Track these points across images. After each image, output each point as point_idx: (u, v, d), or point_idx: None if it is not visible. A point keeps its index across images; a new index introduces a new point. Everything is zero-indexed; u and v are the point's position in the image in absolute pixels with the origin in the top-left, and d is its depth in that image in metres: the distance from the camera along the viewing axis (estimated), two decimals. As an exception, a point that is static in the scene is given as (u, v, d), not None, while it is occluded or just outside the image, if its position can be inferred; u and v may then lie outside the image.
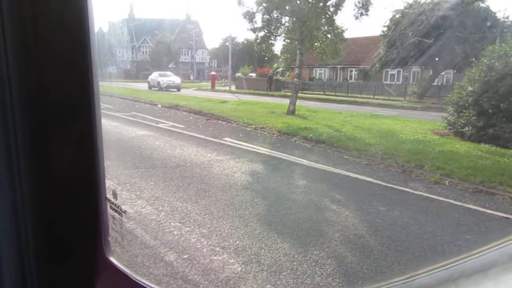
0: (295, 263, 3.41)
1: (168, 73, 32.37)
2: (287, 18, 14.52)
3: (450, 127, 10.52)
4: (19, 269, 0.96)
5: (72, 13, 0.94)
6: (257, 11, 14.28)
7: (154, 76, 30.27)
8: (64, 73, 0.96)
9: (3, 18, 0.89)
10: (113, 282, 1.06)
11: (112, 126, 10.44)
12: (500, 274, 0.51)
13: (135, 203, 4.74)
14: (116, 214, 1.14)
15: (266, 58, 44.23)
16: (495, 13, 21.93)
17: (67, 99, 0.98)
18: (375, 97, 25.46)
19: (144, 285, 1.06)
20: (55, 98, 0.96)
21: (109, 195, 1.11)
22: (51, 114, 0.95)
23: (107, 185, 1.11)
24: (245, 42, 43.66)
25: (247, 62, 42.35)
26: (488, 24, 20.47)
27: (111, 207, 1.13)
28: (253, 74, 37.37)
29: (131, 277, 1.04)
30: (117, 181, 5.56)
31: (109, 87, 21.27)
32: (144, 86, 30.11)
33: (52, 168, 0.96)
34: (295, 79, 14.90)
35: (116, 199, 1.18)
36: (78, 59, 0.96)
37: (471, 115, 9.72)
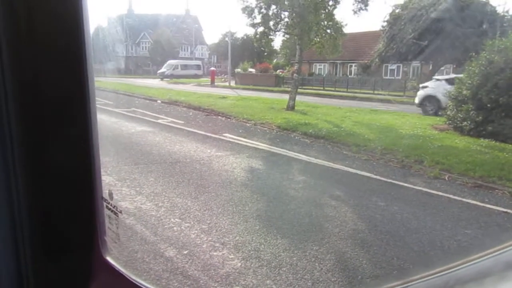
0: (294, 258, 3.42)
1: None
2: (286, 13, 14.46)
3: (450, 121, 10.50)
4: (15, 268, 0.96)
5: (67, 9, 0.93)
6: (257, 6, 14.23)
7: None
8: (59, 70, 0.96)
9: None
10: (109, 282, 1.06)
11: (112, 122, 10.43)
12: (496, 282, 0.50)
13: (135, 199, 4.75)
14: (112, 214, 1.14)
15: (265, 54, 44.11)
16: (495, 7, 21.86)
17: (63, 97, 0.97)
18: (375, 92, 25.41)
19: (140, 285, 1.06)
20: (50, 95, 0.95)
21: (105, 195, 1.11)
22: (46, 112, 0.94)
23: (106, 181, 1.11)
24: (245, 37, 43.52)
25: (247, 57, 42.20)
26: (488, 18, 20.39)
27: (107, 207, 1.12)
28: (253, 70, 37.27)
29: (127, 277, 1.04)
30: (116, 177, 5.56)
31: (108, 83, 21.20)
32: (145, 81, 29.69)
33: (47, 167, 0.96)
34: (295, 74, 14.88)
35: (112, 199, 1.18)
36: (73, 56, 0.96)
37: (470, 109, 9.70)
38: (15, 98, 0.91)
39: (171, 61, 41.70)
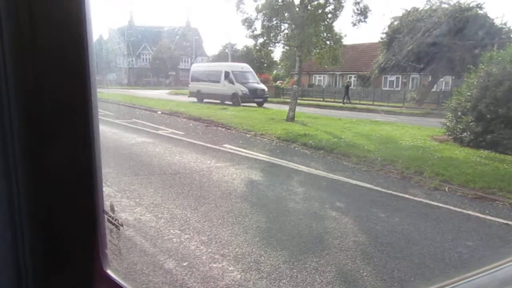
0: (294, 270, 3.40)
1: None
2: (286, 25, 14.61)
3: (449, 133, 10.52)
4: (16, 280, 0.96)
5: (71, 18, 0.94)
6: (257, 18, 14.38)
7: None
8: (61, 78, 0.96)
9: (1, 22, 0.89)
10: None
11: (112, 133, 10.44)
12: None
13: (135, 210, 4.73)
14: (113, 227, 1.14)
15: (265, 65, 44.31)
16: (492, 19, 22.04)
17: (65, 106, 0.97)
18: (374, 103, 25.51)
19: None
20: (52, 105, 0.95)
21: (107, 208, 1.11)
22: (48, 122, 0.95)
23: (106, 192, 1.11)
24: (245, 49, 43.76)
25: (246, 68, 42.32)
26: (486, 30, 20.56)
27: (108, 220, 1.12)
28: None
29: None
30: (116, 188, 5.55)
31: (108, 94, 21.24)
32: (145, 93, 29.71)
33: (49, 179, 0.96)
34: (294, 85, 14.93)
35: (114, 213, 1.18)
36: (76, 65, 0.96)
37: (470, 120, 9.73)
38: (18, 107, 0.92)
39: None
